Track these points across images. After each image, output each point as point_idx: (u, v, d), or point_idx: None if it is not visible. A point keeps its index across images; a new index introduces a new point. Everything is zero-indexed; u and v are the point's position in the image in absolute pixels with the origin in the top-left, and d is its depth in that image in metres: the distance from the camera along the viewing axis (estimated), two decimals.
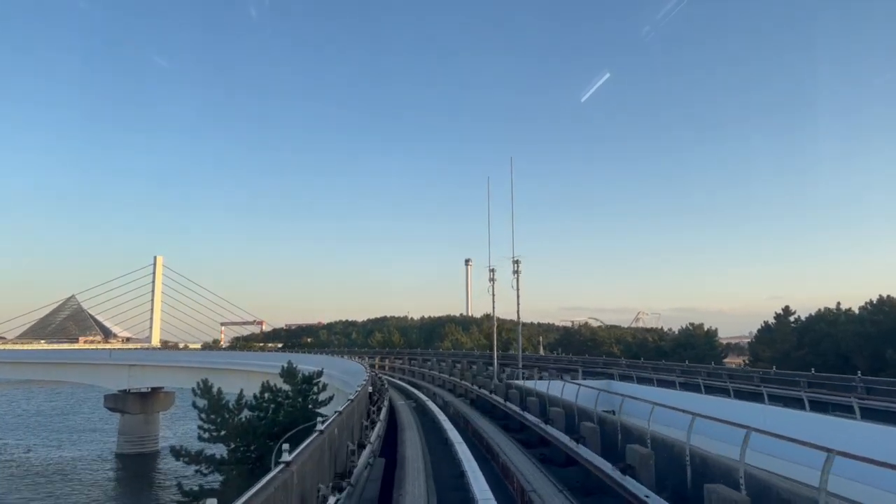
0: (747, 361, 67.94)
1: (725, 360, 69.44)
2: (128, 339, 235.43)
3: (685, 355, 64.02)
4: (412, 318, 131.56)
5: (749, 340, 72.00)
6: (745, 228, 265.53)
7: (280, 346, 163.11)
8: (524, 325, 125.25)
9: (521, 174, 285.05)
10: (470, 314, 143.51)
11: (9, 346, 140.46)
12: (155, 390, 70.28)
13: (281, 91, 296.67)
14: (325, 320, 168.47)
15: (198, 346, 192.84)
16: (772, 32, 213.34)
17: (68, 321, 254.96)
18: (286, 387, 34.44)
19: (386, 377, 43.73)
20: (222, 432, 30.16)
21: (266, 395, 33.82)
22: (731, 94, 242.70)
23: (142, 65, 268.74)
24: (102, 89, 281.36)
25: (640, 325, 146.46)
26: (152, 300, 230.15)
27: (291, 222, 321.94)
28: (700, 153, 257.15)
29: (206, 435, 30.55)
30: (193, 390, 31.42)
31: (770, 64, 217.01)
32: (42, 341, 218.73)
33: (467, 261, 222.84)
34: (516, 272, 34.27)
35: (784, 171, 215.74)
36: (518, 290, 34.32)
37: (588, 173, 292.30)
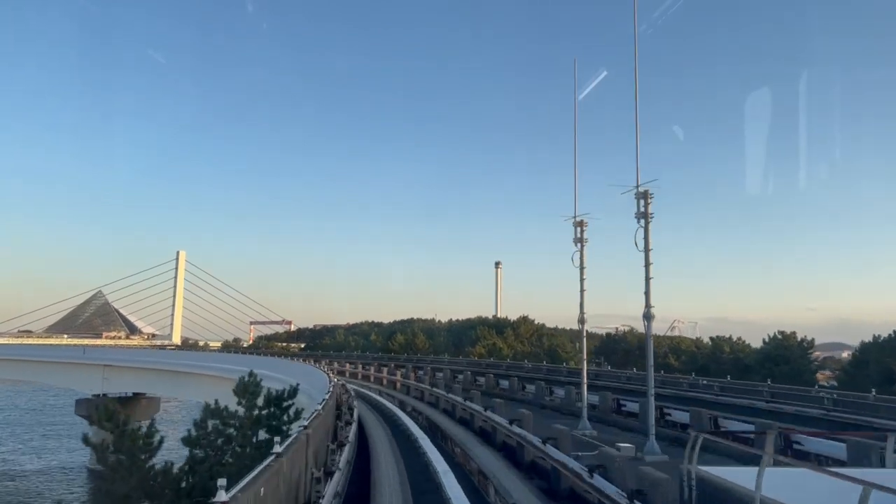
0: (831, 381, 54.72)
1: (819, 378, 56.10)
2: (152, 336, 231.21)
3: (775, 371, 51.00)
4: (439, 321, 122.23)
5: (852, 353, 58.10)
6: (769, 233, 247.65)
7: (303, 346, 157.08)
8: (556, 331, 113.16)
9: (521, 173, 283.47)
10: (497, 316, 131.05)
11: None
12: (137, 395, 60.20)
13: (295, 90, 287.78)
14: (351, 321, 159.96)
15: (218, 344, 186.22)
16: (770, 29, 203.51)
17: (95, 316, 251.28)
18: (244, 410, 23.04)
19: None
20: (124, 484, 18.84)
21: (211, 423, 22.41)
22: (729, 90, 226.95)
23: (139, 59, 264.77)
24: (116, 84, 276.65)
25: (677, 333, 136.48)
26: (174, 296, 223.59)
27: (317, 222, 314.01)
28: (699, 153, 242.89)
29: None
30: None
31: (767, 60, 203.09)
32: (65, 335, 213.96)
33: (497, 263, 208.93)
34: (642, 214, 20.05)
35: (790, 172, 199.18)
36: (647, 248, 20.84)
37: None
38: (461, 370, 49.89)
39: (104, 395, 59.88)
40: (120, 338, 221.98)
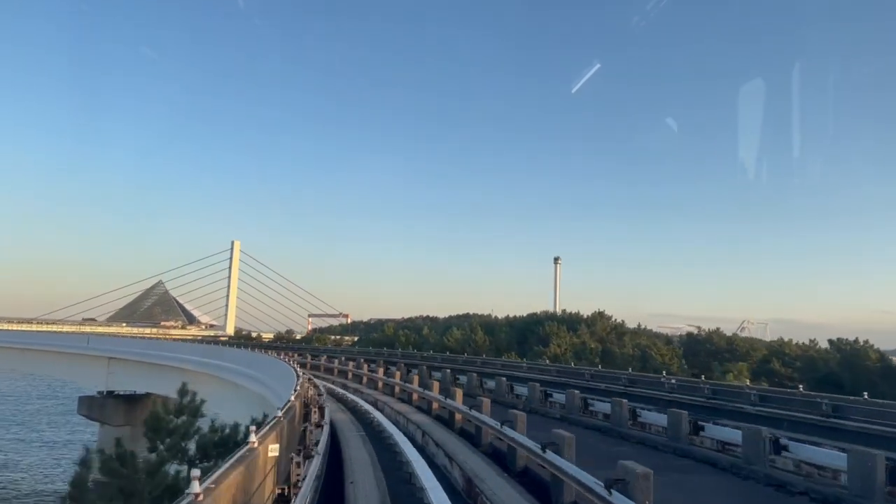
0: None
1: None
2: (210, 326, 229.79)
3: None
4: (496, 317, 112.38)
5: None
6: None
7: (356, 338, 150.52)
8: (640, 330, 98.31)
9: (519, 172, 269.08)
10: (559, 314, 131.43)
11: None
12: (149, 393, 51.33)
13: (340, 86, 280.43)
14: (406, 315, 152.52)
15: (270, 335, 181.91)
16: (763, 22, 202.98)
17: (155, 306, 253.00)
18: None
19: None
20: None
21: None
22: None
23: (131, 56, 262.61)
24: (170, 74, 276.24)
25: (747, 335, 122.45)
26: (228, 286, 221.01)
27: (369, 221, 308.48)
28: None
29: None
30: None
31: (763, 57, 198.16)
32: (123, 324, 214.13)
33: (556, 259, 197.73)
34: None
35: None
36: None
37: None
38: (555, 382, 35.05)
39: (109, 392, 51.41)
40: (176, 327, 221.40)
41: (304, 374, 26.96)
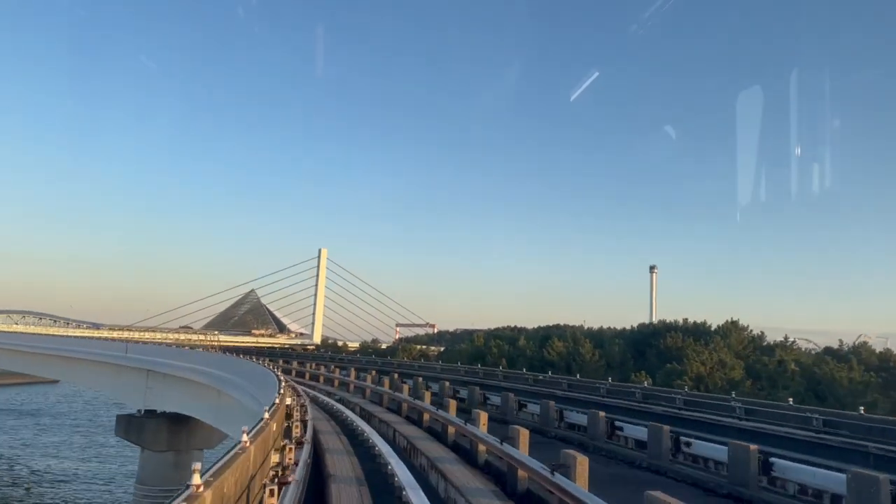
0: None
1: None
2: (300, 335, 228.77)
3: None
4: (589, 327, 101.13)
5: None
6: None
7: (442, 349, 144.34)
8: (768, 346, 79.76)
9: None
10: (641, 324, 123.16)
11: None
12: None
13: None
14: (491, 325, 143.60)
15: (356, 345, 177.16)
16: (760, 30, 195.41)
17: (248, 314, 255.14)
18: None
19: None
20: None
21: None
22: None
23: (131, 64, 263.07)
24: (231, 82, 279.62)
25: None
26: (315, 294, 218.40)
27: (452, 231, 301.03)
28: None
29: None
30: None
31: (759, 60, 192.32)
32: (216, 332, 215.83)
33: (652, 267, 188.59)
34: None
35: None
36: None
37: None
38: None
39: (148, 411, 43.46)
40: (266, 335, 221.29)
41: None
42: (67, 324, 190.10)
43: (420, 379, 40.51)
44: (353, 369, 46.48)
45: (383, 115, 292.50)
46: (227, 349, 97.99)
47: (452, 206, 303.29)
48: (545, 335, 77.43)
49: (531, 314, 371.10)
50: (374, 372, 44.48)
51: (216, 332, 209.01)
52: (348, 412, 26.42)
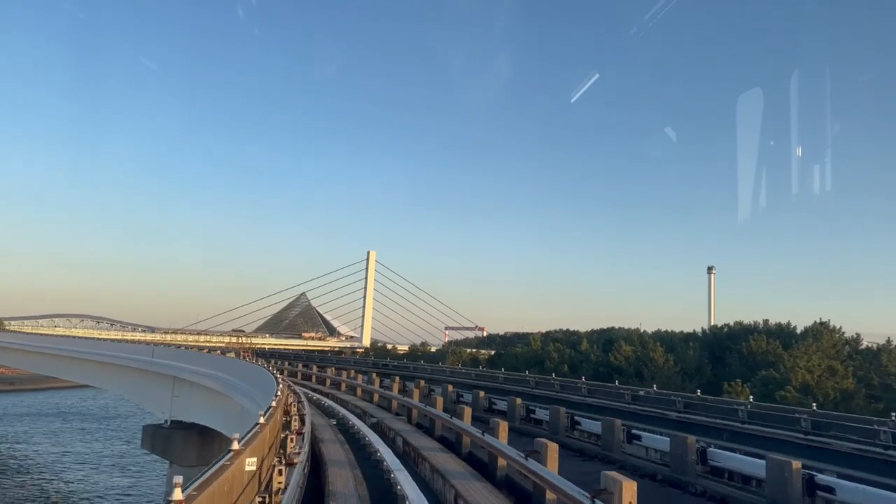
0: None
1: None
2: (350, 338, 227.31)
3: None
4: (645, 331, 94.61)
5: None
6: None
7: (493, 352, 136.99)
8: (866, 350, 68.94)
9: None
10: (703, 328, 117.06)
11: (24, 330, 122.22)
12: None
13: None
14: (543, 329, 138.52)
15: (405, 348, 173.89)
16: (760, 31, 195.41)
17: (299, 317, 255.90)
18: None
19: None
20: None
21: None
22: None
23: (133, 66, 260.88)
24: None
25: None
26: (364, 297, 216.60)
27: (498, 233, 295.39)
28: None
29: None
30: None
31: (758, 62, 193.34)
32: (267, 335, 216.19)
33: (710, 268, 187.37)
34: None
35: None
36: None
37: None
38: None
39: (175, 422, 39.52)
40: (316, 338, 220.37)
41: None
42: (123, 327, 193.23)
43: (481, 393, 34.66)
44: (396, 379, 40.98)
45: (389, 118, 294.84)
46: (263, 353, 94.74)
47: (498, 209, 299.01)
48: (608, 338, 70.75)
49: (579, 317, 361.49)
50: (422, 382, 38.99)
51: (267, 335, 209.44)
52: (383, 452, 18.28)
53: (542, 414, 29.76)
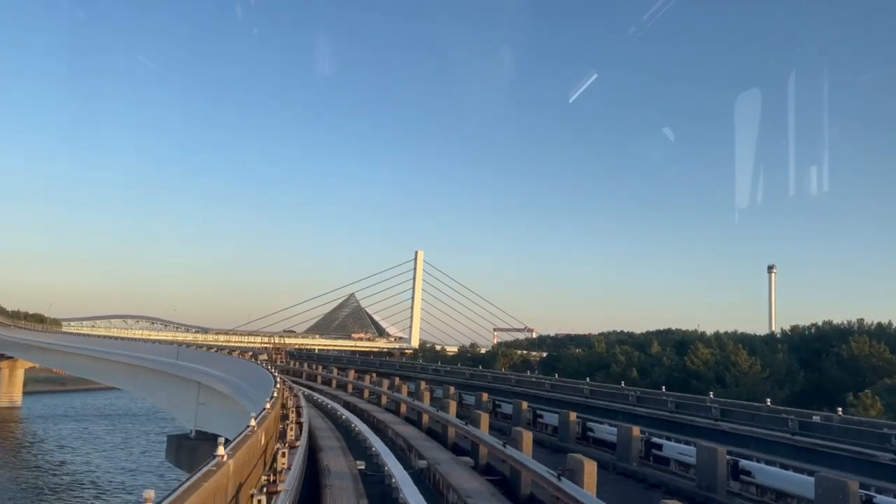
0: None
1: None
2: (399, 339, 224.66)
3: None
4: (703, 332, 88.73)
5: None
6: None
7: (545, 354, 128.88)
8: None
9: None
10: (772, 330, 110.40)
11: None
12: None
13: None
14: (594, 331, 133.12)
15: (454, 349, 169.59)
16: (759, 32, 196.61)
17: (349, 318, 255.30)
18: None
19: None
20: None
21: None
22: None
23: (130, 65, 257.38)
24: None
25: None
26: (412, 297, 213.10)
27: (544, 233, 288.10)
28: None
29: None
30: None
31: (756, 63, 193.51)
32: (316, 335, 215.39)
33: (770, 267, 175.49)
34: None
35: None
36: None
37: None
38: None
39: (200, 432, 35.51)
40: (365, 339, 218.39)
41: None
42: (177, 328, 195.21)
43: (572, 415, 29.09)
44: (451, 390, 35.40)
45: (390, 117, 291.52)
46: (300, 354, 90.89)
47: (545, 210, 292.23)
48: (679, 340, 63.70)
49: (626, 319, 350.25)
50: (485, 396, 33.35)
51: (317, 336, 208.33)
52: None
53: (602, 432, 24.28)
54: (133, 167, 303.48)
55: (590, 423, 25.59)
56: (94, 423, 79.38)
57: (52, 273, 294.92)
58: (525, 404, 29.50)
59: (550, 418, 28.72)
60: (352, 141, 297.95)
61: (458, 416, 23.35)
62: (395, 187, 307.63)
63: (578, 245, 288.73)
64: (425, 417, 24.73)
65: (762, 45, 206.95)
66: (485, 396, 33.00)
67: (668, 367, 53.59)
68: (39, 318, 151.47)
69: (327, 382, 39.90)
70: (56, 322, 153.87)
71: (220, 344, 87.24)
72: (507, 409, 32.74)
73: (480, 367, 68.53)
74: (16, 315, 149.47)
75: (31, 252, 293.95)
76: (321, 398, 29.24)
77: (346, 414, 24.05)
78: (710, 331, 76.14)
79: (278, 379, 20.17)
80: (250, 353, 53.07)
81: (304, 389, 32.12)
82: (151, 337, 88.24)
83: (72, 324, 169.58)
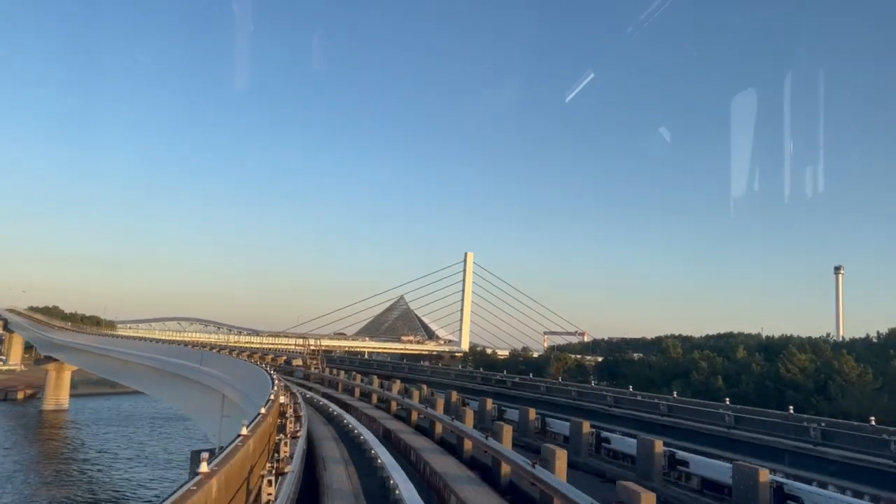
0: None
1: None
2: (448, 341, 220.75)
3: None
4: (767, 336, 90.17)
5: None
6: None
7: (600, 359, 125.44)
8: None
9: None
10: (841, 336, 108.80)
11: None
12: None
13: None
14: (648, 335, 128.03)
15: (506, 353, 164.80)
16: (756, 32, 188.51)
17: (398, 321, 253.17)
18: None
19: None
20: None
21: None
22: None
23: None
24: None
25: None
26: (462, 300, 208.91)
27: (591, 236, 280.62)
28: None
29: None
30: None
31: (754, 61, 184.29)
32: (366, 338, 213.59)
33: (837, 268, 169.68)
34: None
35: None
36: None
37: None
38: None
39: (217, 449, 31.39)
40: (414, 342, 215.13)
41: None
42: (230, 331, 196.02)
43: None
44: (532, 412, 28.51)
45: (393, 116, 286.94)
46: (338, 359, 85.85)
47: (594, 213, 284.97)
48: (767, 346, 56.00)
49: (681, 322, 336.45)
50: (586, 425, 26.77)
51: (366, 339, 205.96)
52: None
53: (704, 467, 18.68)
54: (196, 171, 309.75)
55: (680, 455, 19.76)
56: (139, 428, 77.55)
57: (111, 276, 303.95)
58: (587, 425, 23.68)
59: (620, 443, 23.13)
60: (388, 147, 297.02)
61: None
62: (440, 189, 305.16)
63: (633, 246, 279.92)
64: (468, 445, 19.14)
65: (761, 44, 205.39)
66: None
67: (759, 376, 46.39)
68: (95, 321, 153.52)
69: (366, 396, 34.99)
70: (111, 324, 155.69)
71: (252, 346, 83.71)
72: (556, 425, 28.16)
73: (538, 377, 62.47)
74: (73, 317, 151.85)
75: (90, 257, 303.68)
76: (353, 422, 23.99)
77: (383, 457, 16.47)
78: (771, 335, 68.43)
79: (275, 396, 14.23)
80: (284, 358, 48.70)
81: (336, 408, 27.08)
82: (175, 338, 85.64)
83: (129, 326, 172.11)
